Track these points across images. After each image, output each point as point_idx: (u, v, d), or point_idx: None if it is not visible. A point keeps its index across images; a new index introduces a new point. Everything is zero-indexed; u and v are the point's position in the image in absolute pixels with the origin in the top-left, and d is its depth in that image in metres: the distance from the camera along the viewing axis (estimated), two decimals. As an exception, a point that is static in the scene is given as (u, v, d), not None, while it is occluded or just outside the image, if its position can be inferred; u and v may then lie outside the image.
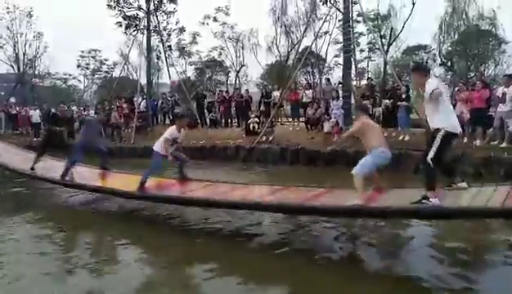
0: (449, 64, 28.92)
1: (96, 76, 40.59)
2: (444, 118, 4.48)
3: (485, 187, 4.87)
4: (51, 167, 8.66)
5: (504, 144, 9.20)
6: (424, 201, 4.34)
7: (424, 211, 4.40)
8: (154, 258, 5.10)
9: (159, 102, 19.21)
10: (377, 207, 4.72)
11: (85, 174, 8.07)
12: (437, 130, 4.46)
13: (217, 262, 4.70)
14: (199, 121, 16.54)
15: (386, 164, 5.05)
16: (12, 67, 33.20)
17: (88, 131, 8.16)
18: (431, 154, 4.41)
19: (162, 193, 6.54)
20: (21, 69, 33.31)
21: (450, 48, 28.43)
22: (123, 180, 7.36)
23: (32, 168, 8.53)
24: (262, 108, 15.81)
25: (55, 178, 7.88)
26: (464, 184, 4.81)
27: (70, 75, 40.03)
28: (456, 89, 10.96)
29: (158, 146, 6.42)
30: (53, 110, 16.89)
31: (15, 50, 32.64)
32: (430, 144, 4.47)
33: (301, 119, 14.94)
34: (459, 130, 4.64)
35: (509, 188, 4.53)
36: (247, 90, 18.89)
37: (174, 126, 6.59)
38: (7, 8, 30.92)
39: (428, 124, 4.75)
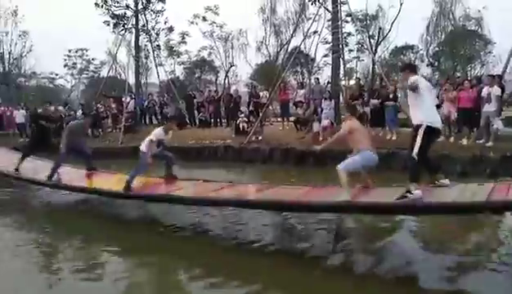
0: (436, 64, 29.27)
1: (84, 75, 40.08)
2: (424, 113, 4.61)
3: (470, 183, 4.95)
4: (37, 167, 8.47)
5: (489, 143, 9.33)
6: (406, 194, 4.44)
7: (408, 205, 4.46)
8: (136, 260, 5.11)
9: (146, 102, 19.03)
10: (364, 201, 4.79)
11: (72, 175, 7.92)
12: (419, 125, 4.58)
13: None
14: (188, 121, 16.46)
15: (372, 167, 5.11)
16: (-3, 67, 32.65)
17: (73, 134, 7.73)
18: (415, 150, 4.53)
19: (148, 192, 6.48)
20: (6, 69, 32.72)
21: (437, 48, 28.80)
22: (111, 180, 7.27)
23: (16, 169, 8.31)
24: (251, 107, 15.77)
25: (41, 179, 7.72)
26: (446, 181, 4.88)
27: (57, 75, 39.43)
28: (444, 89, 11.05)
29: (144, 147, 6.39)
30: (39, 110, 16.56)
31: (-1, 49, 32.13)
32: (413, 140, 4.58)
33: (290, 119, 14.94)
34: (439, 124, 4.78)
35: (493, 184, 4.62)
36: (236, 89, 18.87)
37: (161, 128, 6.60)
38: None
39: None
